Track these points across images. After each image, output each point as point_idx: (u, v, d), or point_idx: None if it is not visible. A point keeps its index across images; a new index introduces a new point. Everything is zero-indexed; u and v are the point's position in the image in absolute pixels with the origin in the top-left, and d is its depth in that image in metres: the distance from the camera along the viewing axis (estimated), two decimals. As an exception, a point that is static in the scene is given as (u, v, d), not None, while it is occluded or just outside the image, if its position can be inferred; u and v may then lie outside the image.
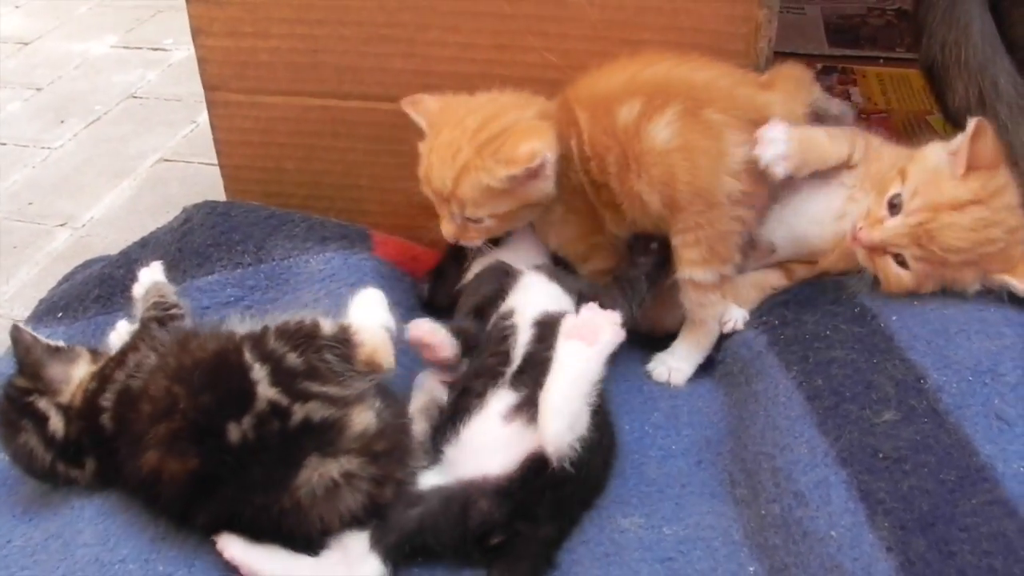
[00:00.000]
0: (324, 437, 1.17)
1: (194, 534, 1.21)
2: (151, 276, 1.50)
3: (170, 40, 3.02)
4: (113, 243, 1.89)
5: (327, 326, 1.27)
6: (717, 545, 1.26)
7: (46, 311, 1.65)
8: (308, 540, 1.18)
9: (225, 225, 1.66)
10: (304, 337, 1.25)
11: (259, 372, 1.20)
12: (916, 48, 1.64)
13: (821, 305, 1.43)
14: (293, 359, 1.22)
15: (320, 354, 1.24)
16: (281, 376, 1.20)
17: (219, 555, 1.18)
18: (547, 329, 1.37)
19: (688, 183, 1.38)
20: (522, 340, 1.38)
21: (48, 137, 2.57)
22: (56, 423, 1.28)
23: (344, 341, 1.26)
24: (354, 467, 1.17)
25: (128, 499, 1.28)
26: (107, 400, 1.26)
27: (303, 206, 1.75)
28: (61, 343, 1.38)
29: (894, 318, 1.36)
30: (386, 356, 1.28)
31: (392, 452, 1.21)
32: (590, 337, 1.22)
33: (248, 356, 1.22)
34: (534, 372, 1.31)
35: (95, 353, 1.38)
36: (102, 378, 1.30)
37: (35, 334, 1.35)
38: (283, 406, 1.18)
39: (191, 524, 1.20)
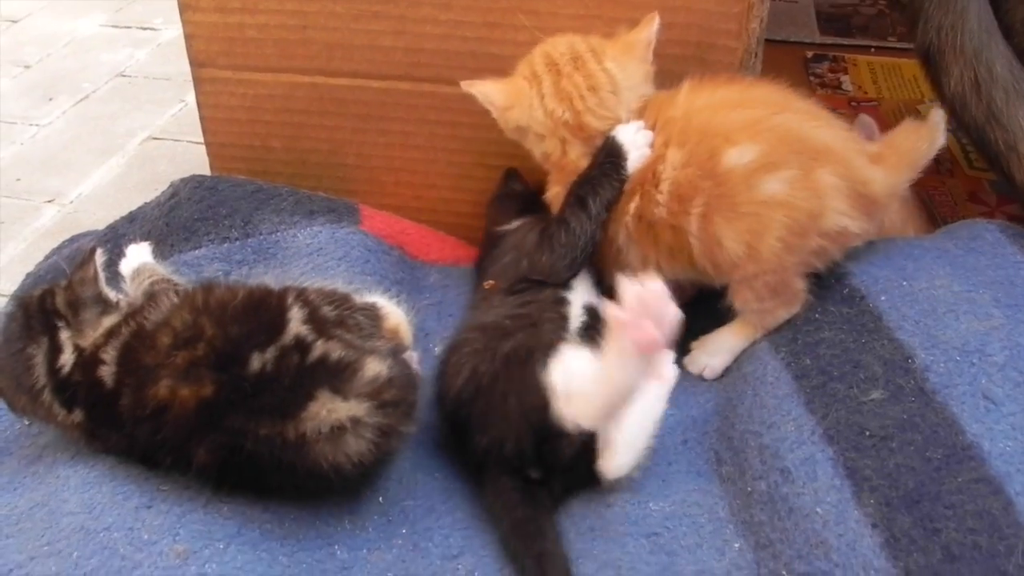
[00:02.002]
0: (338, 375, 1.19)
1: (179, 503, 1.21)
2: (139, 255, 1.49)
3: (159, 19, 3.01)
4: (101, 220, 1.88)
5: (358, 297, 1.32)
6: (703, 522, 1.26)
7: (32, 286, 1.64)
8: (311, 476, 1.19)
9: (212, 199, 1.65)
10: (340, 298, 1.29)
11: (296, 312, 1.23)
12: (912, 34, 1.63)
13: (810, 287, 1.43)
14: (328, 310, 1.26)
15: (352, 312, 1.28)
16: (314, 319, 1.23)
17: (203, 523, 1.18)
18: (594, 317, 1.42)
19: (780, 238, 1.34)
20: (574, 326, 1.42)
21: (37, 114, 2.55)
22: (67, 359, 1.27)
23: (372, 310, 1.32)
24: (362, 413, 1.18)
25: (115, 462, 1.27)
26: (108, 353, 1.25)
27: (289, 184, 1.75)
28: (114, 296, 1.36)
29: (883, 298, 1.36)
30: (407, 333, 1.35)
31: (400, 403, 1.23)
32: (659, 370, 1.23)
33: (291, 299, 1.25)
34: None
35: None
36: (109, 334, 1.28)
37: (100, 272, 1.34)
38: (307, 342, 1.20)
39: (188, 462, 1.20)
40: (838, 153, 1.37)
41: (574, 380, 1.22)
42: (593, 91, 1.42)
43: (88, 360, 1.26)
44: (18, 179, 2.28)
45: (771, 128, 1.37)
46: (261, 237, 1.60)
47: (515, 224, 1.59)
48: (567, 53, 1.44)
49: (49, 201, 2.19)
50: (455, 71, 1.62)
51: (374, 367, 1.21)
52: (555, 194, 1.50)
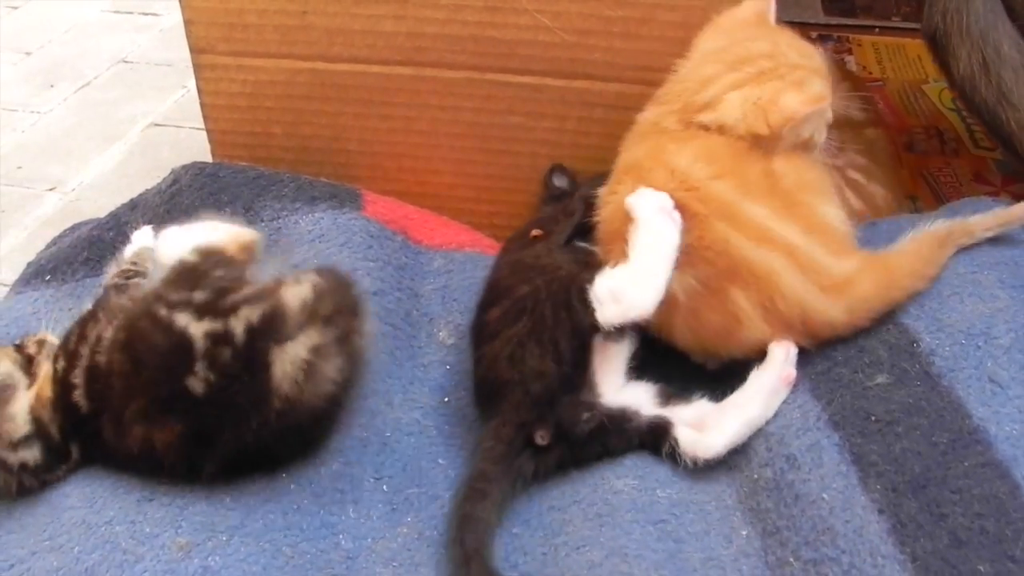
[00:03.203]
0: (273, 327, 1.17)
1: (181, 495, 1.20)
2: (142, 240, 1.48)
3: (161, 5, 2.99)
4: (103, 207, 1.87)
5: (189, 257, 1.30)
6: (710, 509, 1.25)
7: (34, 274, 1.63)
8: (315, 422, 1.21)
9: (213, 186, 1.64)
10: (189, 273, 1.26)
11: (181, 319, 1.18)
12: (919, 18, 1.61)
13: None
14: (199, 295, 1.22)
15: (209, 276, 1.25)
16: (201, 309, 1.19)
17: (205, 515, 1.17)
18: None
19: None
20: None
21: (38, 101, 2.55)
22: (26, 456, 1.23)
23: (210, 256, 1.30)
24: (316, 339, 1.18)
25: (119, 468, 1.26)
26: (77, 377, 1.23)
27: (291, 171, 1.73)
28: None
29: (887, 281, 1.35)
30: (253, 240, 1.38)
31: (341, 308, 1.23)
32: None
33: (163, 312, 1.20)
34: None
35: (22, 354, 1.29)
36: (69, 355, 1.25)
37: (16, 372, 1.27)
38: (221, 331, 1.17)
39: (200, 477, 1.20)
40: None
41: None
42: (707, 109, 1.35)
43: (60, 393, 1.24)
44: (19, 167, 2.27)
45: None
46: (262, 224, 1.59)
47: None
48: (751, 61, 1.35)
49: (50, 189, 2.19)
50: (457, 56, 1.61)
51: (296, 294, 1.20)
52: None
